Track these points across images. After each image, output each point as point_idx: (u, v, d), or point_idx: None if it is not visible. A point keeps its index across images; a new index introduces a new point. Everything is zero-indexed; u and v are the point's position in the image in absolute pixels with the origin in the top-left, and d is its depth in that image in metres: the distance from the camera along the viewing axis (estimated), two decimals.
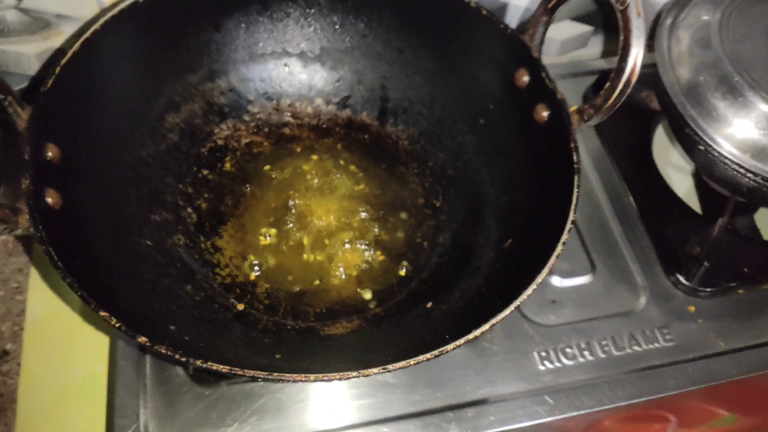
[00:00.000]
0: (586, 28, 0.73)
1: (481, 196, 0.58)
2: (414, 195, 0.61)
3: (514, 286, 0.44)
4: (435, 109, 0.62)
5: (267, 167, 0.61)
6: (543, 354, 0.54)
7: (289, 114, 0.63)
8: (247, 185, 0.60)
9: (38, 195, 0.43)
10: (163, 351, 0.39)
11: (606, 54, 0.77)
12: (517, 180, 0.56)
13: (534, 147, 0.54)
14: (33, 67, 0.63)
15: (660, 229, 0.61)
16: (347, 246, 0.57)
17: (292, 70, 0.63)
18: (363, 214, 0.59)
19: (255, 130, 0.63)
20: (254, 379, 0.49)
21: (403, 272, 0.56)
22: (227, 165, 0.61)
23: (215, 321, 0.50)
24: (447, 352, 0.40)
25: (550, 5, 0.51)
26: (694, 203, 0.64)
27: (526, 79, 0.53)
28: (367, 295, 0.55)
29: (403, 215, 0.60)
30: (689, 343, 0.55)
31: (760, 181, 0.54)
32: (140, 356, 0.51)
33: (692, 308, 0.57)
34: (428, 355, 0.40)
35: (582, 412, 0.51)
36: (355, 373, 0.39)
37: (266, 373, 0.38)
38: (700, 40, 0.58)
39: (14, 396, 0.56)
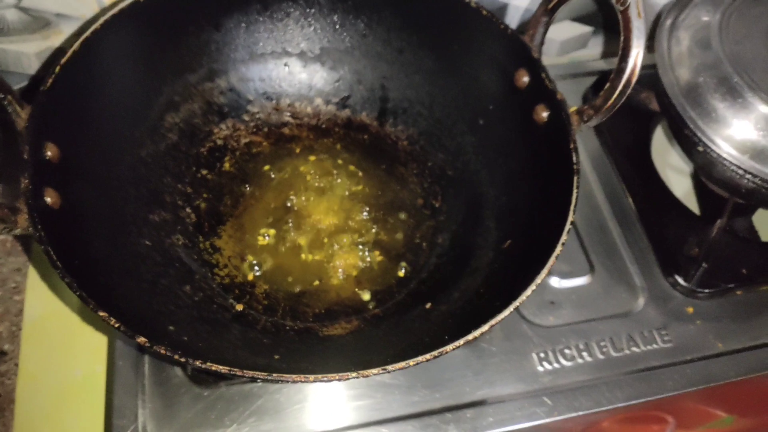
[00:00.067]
0: (586, 29, 0.73)
1: (481, 197, 0.58)
2: (413, 195, 0.61)
3: (513, 286, 0.44)
4: (435, 109, 0.62)
5: (266, 167, 0.61)
6: (542, 355, 0.54)
7: (288, 114, 0.63)
8: (246, 185, 0.60)
9: (37, 194, 0.43)
10: (162, 351, 0.39)
11: (606, 55, 0.77)
12: (517, 181, 0.56)
13: (533, 148, 0.54)
14: (33, 67, 0.63)
15: (659, 231, 0.61)
16: (346, 246, 0.57)
17: (291, 70, 0.63)
18: (362, 215, 0.59)
19: (254, 130, 0.63)
20: (253, 379, 0.49)
21: (402, 273, 0.56)
22: (226, 165, 0.61)
23: (214, 321, 0.50)
24: (446, 353, 0.40)
25: (551, 6, 0.51)
26: (692, 204, 0.64)
27: (526, 79, 0.53)
28: (366, 295, 0.55)
29: (402, 216, 0.60)
30: (687, 344, 0.55)
31: (759, 182, 0.54)
32: (139, 356, 0.51)
33: (690, 309, 0.57)
34: (427, 356, 0.40)
35: (580, 413, 0.51)
36: (354, 374, 0.39)
37: (265, 374, 0.38)
38: (700, 41, 0.58)
39: (12, 396, 0.56)
